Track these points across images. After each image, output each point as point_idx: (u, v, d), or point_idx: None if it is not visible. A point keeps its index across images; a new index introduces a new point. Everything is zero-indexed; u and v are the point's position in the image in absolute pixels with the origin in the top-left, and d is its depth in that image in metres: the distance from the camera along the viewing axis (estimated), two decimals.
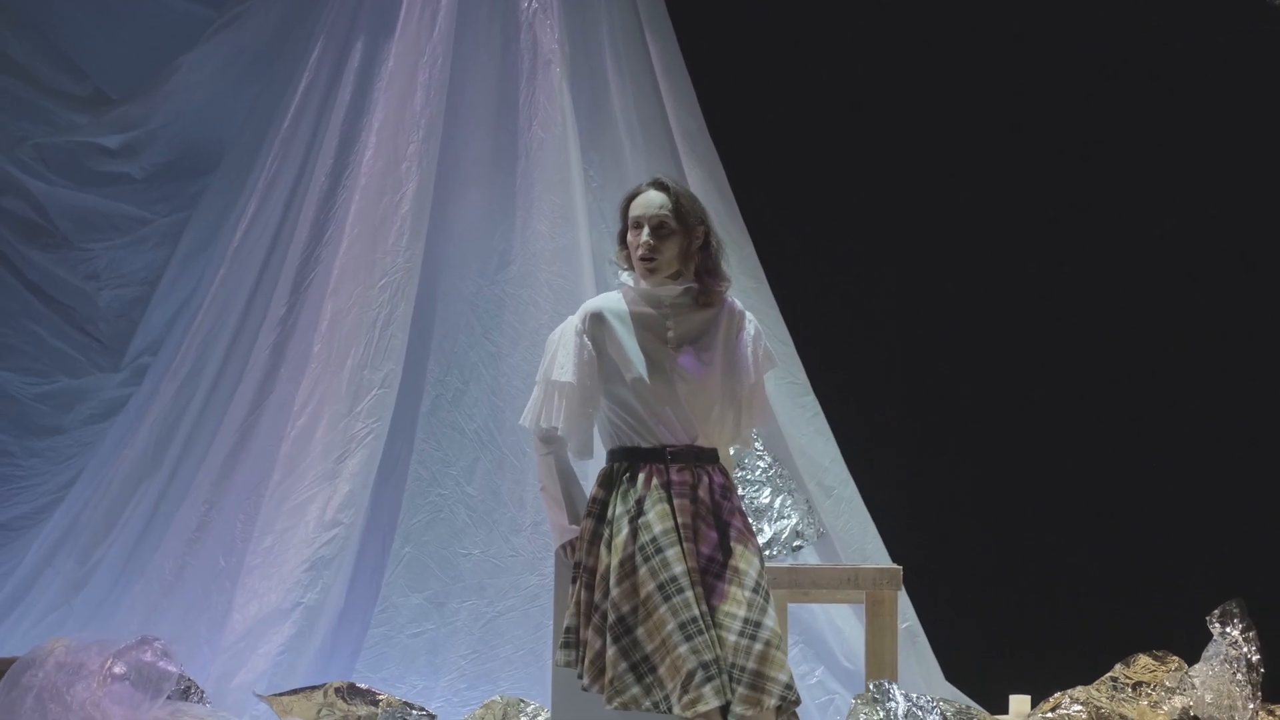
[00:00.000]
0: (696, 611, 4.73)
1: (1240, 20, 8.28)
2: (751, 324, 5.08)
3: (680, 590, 4.74)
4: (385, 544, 7.50)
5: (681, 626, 4.71)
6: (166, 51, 8.50)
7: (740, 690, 4.69)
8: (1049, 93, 8.44)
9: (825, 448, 7.80)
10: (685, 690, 4.66)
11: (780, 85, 8.43)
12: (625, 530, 4.84)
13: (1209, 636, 6.55)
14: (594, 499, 4.96)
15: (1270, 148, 8.33)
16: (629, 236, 5.01)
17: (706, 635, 4.71)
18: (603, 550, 4.89)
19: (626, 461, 4.94)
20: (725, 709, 4.69)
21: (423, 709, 6.51)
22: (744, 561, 4.85)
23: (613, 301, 5.04)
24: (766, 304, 7.83)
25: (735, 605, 4.77)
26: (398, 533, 7.50)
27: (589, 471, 5.34)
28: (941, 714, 6.20)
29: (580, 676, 4.88)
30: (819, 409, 7.85)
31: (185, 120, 8.51)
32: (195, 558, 7.43)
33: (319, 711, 6.41)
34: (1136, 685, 6.32)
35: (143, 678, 6.21)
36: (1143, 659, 6.43)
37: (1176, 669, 6.41)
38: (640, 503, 4.86)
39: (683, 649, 4.68)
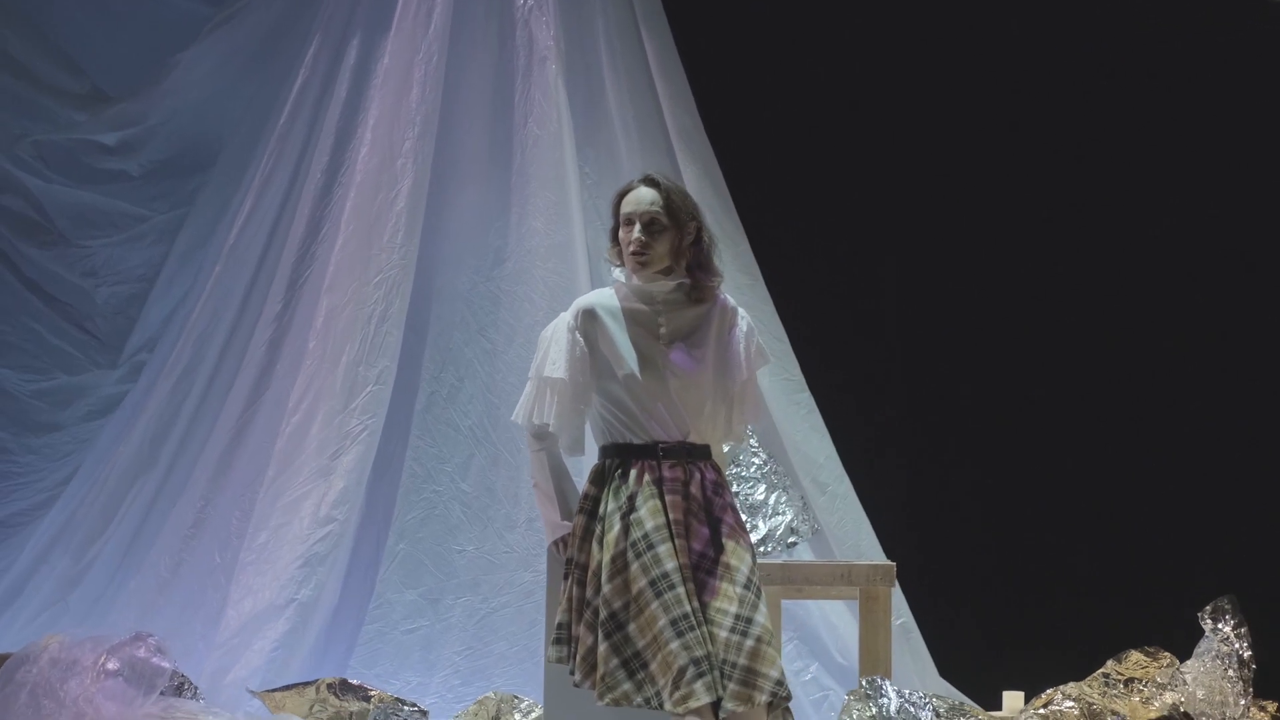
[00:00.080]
0: (688, 608, 4.73)
1: (1240, 20, 8.29)
2: (744, 320, 5.08)
3: (672, 586, 4.74)
4: (380, 540, 7.51)
5: (673, 623, 4.70)
6: (165, 49, 8.51)
7: (731, 686, 4.69)
8: (1047, 91, 8.44)
9: (820, 444, 7.81)
10: (676, 686, 4.66)
11: (776, 82, 8.43)
12: (617, 526, 4.84)
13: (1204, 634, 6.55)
14: (586, 495, 4.96)
15: (1270, 148, 8.33)
16: (620, 233, 5.01)
17: (698, 631, 4.71)
18: (594, 546, 4.88)
19: (618, 458, 4.94)
20: (716, 705, 4.69)
21: (414, 705, 6.51)
22: (735, 558, 4.84)
23: (605, 298, 5.04)
24: (761, 300, 7.84)
25: (726, 601, 4.77)
26: (392, 529, 7.51)
27: (583, 468, 5.34)
28: (934, 710, 6.20)
29: (572, 673, 4.88)
30: (814, 405, 7.86)
31: (183, 117, 8.52)
32: (191, 554, 7.44)
33: (311, 707, 6.41)
34: (1128, 681, 6.32)
35: (136, 674, 6.21)
36: (1135, 655, 6.43)
37: (1168, 665, 6.41)
38: (632, 499, 4.86)
39: (674, 645, 4.68)
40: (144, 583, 7.42)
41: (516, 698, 6.64)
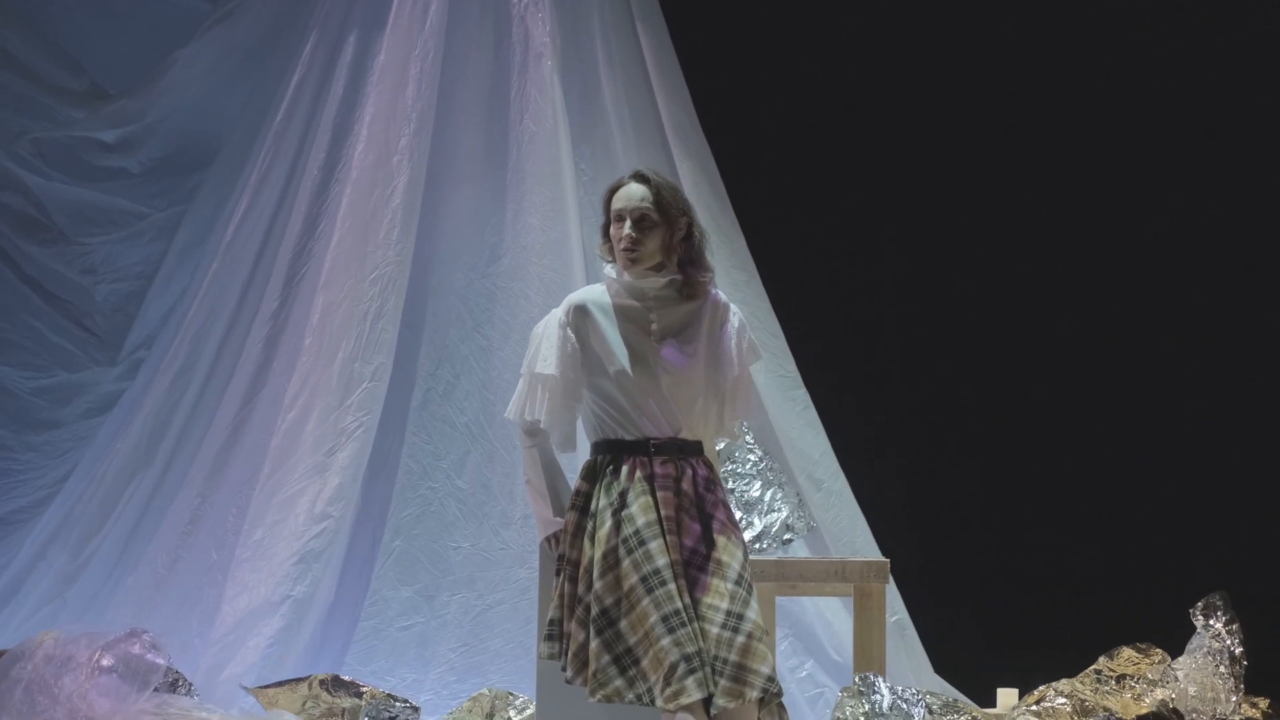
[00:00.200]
0: (679, 604, 4.72)
1: (1240, 20, 8.28)
2: (736, 316, 5.07)
3: (663, 583, 4.74)
4: (375, 537, 7.51)
5: (664, 619, 4.70)
6: (164, 47, 8.53)
7: (722, 683, 4.68)
8: (1045, 91, 8.43)
9: (815, 441, 7.80)
10: (668, 683, 4.66)
11: (772, 79, 8.43)
12: (608, 523, 4.84)
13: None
14: (578, 491, 4.96)
15: (1269, 148, 8.32)
16: (611, 229, 5.02)
17: (689, 628, 4.70)
18: (586, 543, 4.89)
19: (610, 454, 4.94)
20: (708, 702, 4.69)
21: (406, 701, 6.51)
22: (727, 554, 4.84)
23: (596, 294, 5.04)
24: (757, 297, 7.84)
25: (718, 598, 4.77)
26: (388, 526, 7.51)
27: (575, 464, 5.34)
28: (927, 706, 6.20)
29: (564, 669, 4.88)
30: (809, 402, 7.85)
31: (181, 115, 8.53)
32: (188, 551, 7.45)
33: (304, 703, 6.41)
34: (1120, 678, 6.32)
35: (130, 670, 6.21)
36: (1126, 651, 6.42)
37: (1160, 661, 6.40)
38: (623, 495, 4.86)
39: (665, 641, 4.68)
40: (141, 579, 7.43)
41: (511, 694, 6.65)
